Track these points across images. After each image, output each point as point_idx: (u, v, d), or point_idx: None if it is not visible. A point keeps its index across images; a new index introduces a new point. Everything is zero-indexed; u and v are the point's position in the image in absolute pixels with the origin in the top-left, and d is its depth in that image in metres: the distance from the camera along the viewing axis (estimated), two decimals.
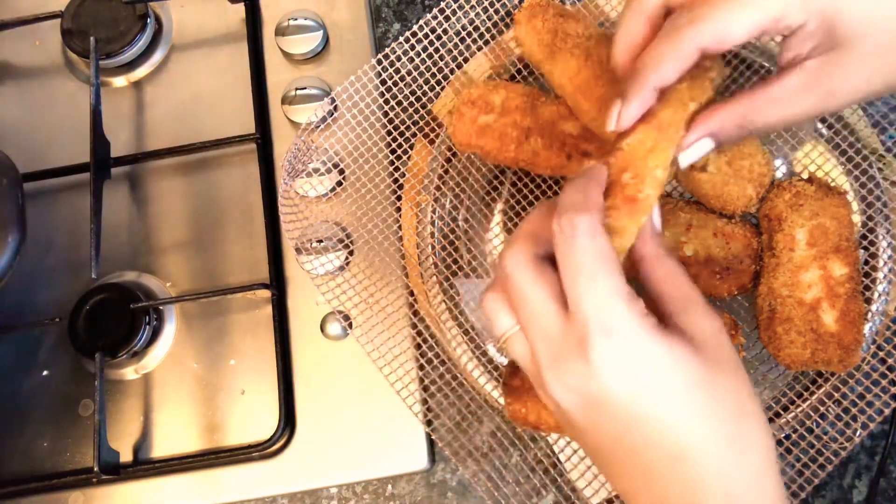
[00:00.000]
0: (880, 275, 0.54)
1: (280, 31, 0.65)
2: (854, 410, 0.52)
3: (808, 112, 0.37)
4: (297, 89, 0.64)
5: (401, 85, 0.63)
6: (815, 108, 0.37)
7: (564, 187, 0.36)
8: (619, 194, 0.36)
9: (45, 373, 0.62)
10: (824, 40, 0.35)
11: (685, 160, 0.38)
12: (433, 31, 0.62)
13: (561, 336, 0.33)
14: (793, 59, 0.37)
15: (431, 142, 0.61)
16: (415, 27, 0.61)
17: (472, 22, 0.63)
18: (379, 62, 0.61)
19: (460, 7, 0.62)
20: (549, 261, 0.35)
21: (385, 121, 0.62)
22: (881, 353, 0.53)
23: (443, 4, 0.61)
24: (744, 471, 0.32)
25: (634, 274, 0.37)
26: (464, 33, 0.63)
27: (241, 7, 0.68)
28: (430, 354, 0.57)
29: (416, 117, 0.62)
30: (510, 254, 0.35)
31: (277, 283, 0.61)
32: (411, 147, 0.61)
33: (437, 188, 0.60)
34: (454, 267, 0.59)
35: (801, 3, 0.34)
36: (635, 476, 0.33)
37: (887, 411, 0.51)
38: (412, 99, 0.63)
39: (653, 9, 0.38)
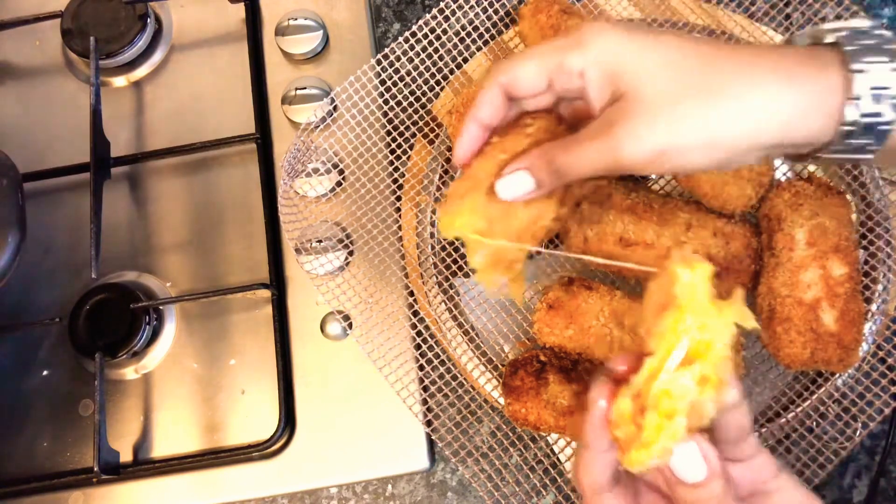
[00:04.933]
0: (880, 275, 0.54)
1: (280, 31, 0.65)
2: (854, 410, 0.52)
3: (604, 158, 0.37)
4: (297, 89, 0.64)
5: (400, 85, 0.63)
6: (609, 154, 0.37)
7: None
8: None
9: (45, 373, 0.62)
10: (614, 91, 0.37)
11: (502, 189, 0.39)
12: (433, 31, 0.62)
13: None
14: (598, 111, 0.39)
15: (431, 142, 0.61)
16: (414, 27, 0.61)
17: (471, 22, 0.63)
18: (379, 62, 0.61)
19: (460, 7, 0.62)
20: None
21: (385, 121, 0.62)
22: (881, 353, 0.53)
23: (442, 4, 0.61)
24: None
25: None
26: (463, 33, 0.63)
27: (241, 7, 0.68)
28: (430, 354, 0.57)
29: (415, 117, 0.62)
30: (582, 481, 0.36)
31: (277, 283, 0.61)
32: (411, 147, 0.61)
33: (437, 188, 0.60)
34: (454, 267, 0.59)
35: (580, 52, 0.37)
36: None
37: (887, 411, 0.51)
38: (412, 99, 0.63)
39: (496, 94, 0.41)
